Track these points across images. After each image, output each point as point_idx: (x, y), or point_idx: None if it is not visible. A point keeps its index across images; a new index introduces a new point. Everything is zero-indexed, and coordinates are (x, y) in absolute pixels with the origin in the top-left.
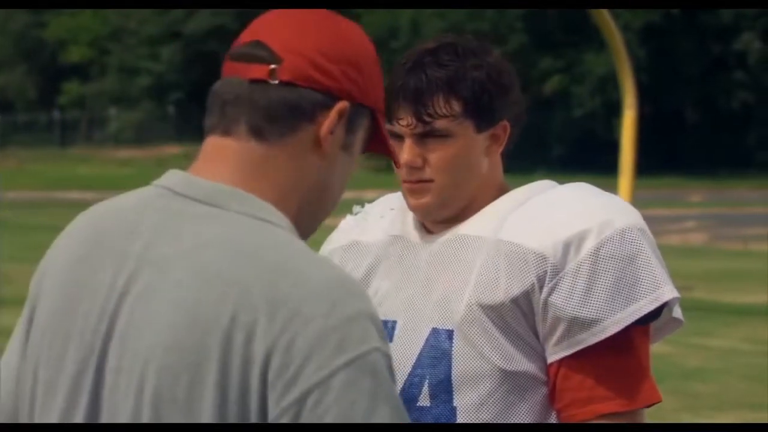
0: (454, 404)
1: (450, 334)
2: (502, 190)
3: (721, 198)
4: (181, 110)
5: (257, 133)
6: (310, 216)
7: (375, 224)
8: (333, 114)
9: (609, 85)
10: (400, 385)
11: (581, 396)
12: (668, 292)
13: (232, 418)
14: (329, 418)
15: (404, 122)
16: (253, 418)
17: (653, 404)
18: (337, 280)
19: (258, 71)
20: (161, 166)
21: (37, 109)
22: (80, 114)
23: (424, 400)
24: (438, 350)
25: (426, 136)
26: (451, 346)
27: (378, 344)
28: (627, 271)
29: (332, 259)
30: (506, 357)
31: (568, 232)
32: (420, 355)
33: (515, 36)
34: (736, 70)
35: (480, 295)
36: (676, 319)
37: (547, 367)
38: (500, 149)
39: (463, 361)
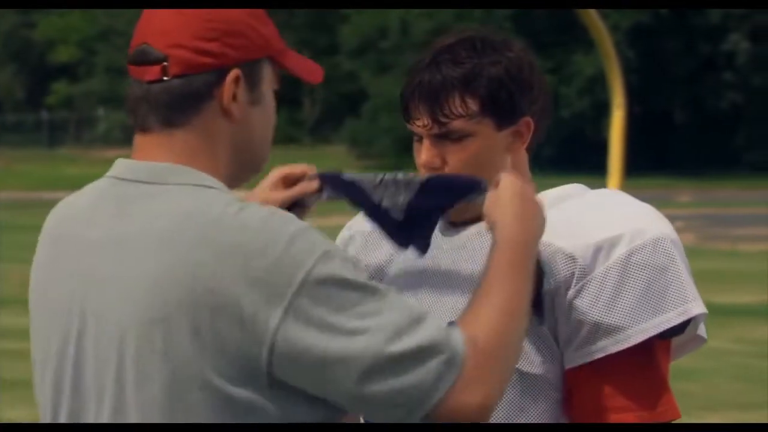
0: None
1: None
2: None
3: (709, 198)
4: None
5: (168, 124)
6: (244, 170)
7: None
8: (227, 86)
9: (597, 86)
10: None
11: (599, 405)
12: (696, 306)
13: (209, 360)
14: (319, 312)
15: (421, 123)
16: (234, 355)
17: (672, 420)
18: (268, 218)
19: (151, 72)
20: None
21: (25, 109)
22: (68, 114)
23: None
24: None
25: (443, 136)
26: None
27: (323, 248)
28: (656, 281)
29: (354, 242)
30: (523, 357)
31: (600, 236)
32: None
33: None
34: (725, 71)
35: None
36: (699, 337)
37: (563, 372)
38: (524, 146)
39: None
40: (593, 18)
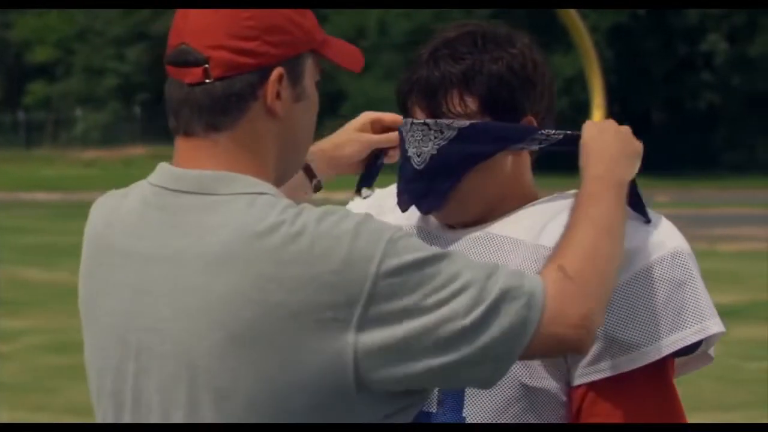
0: (464, 414)
1: None
2: (529, 190)
3: (687, 198)
4: (148, 111)
5: (213, 127)
6: (291, 167)
7: (390, 212)
8: (271, 85)
9: (576, 86)
10: None
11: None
12: (714, 325)
13: (290, 373)
14: (398, 301)
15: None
16: (316, 365)
17: None
18: (325, 218)
19: (193, 75)
20: (128, 167)
21: (2, 110)
22: (46, 115)
23: (430, 406)
24: None
25: None
26: None
27: (386, 236)
28: (674, 296)
29: None
30: (529, 369)
31: None
32: None
33: None
34: (703, 71)
35: None
36: (706, 355)
37: (568, 389)
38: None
39: None
40: (574, 18)
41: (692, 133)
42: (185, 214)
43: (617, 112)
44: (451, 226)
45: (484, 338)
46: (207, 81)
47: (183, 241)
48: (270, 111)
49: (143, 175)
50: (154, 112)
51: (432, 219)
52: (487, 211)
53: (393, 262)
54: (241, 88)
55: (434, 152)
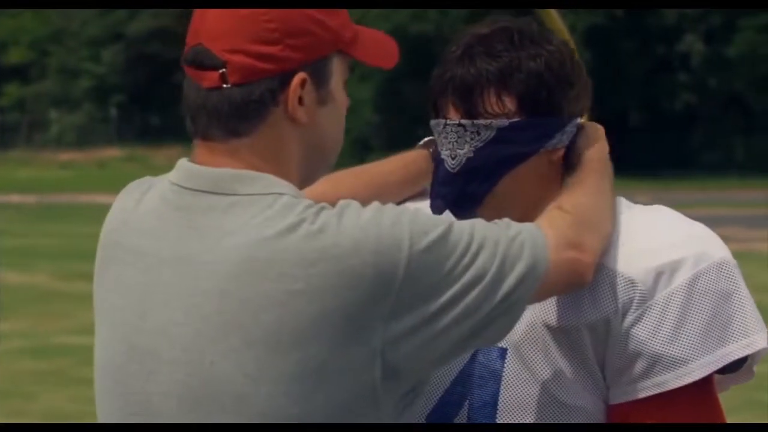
0: None
1: (503, 352)
2: None
3: (665, 199)
4: (123, 113)
5: (232, 132)
6: (317, 170)
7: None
8: (292, 91)
9: None
10: (432, 403)
11: None
12: (762, 339)
13: (314, 377)
14: (433, 280)
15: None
16: (343, 363)
17: None
18: (343, 213)
19: (210, 79)
20: (102, 168)
21: None
22: (20, 116)
23: (461, 419)
24: (486, 369)
25: None
26: (503, 367)
27: (408, 216)
28: (721, 309)
29: None
30: (566, 387)
31: (661, 259)
32: (462, 372)
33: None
34: (680, 72)
35: (548, 315)
36: (748, 371)
37: (605, 407)
38: (563, 150)
39: (514, 385)
40: (554, 18)
41: (669, 134)
42: (203, 215)
43: (594, 113)
44: None
45: (504, 289)
46: (225, 86)
47: (199, 243)
48: (291, 118)
49: (118, 177)
50: (129, 113)
51: None
52: (521, 216)
53: (421, 241)
54: (261, 95)
55: (470, 154)
